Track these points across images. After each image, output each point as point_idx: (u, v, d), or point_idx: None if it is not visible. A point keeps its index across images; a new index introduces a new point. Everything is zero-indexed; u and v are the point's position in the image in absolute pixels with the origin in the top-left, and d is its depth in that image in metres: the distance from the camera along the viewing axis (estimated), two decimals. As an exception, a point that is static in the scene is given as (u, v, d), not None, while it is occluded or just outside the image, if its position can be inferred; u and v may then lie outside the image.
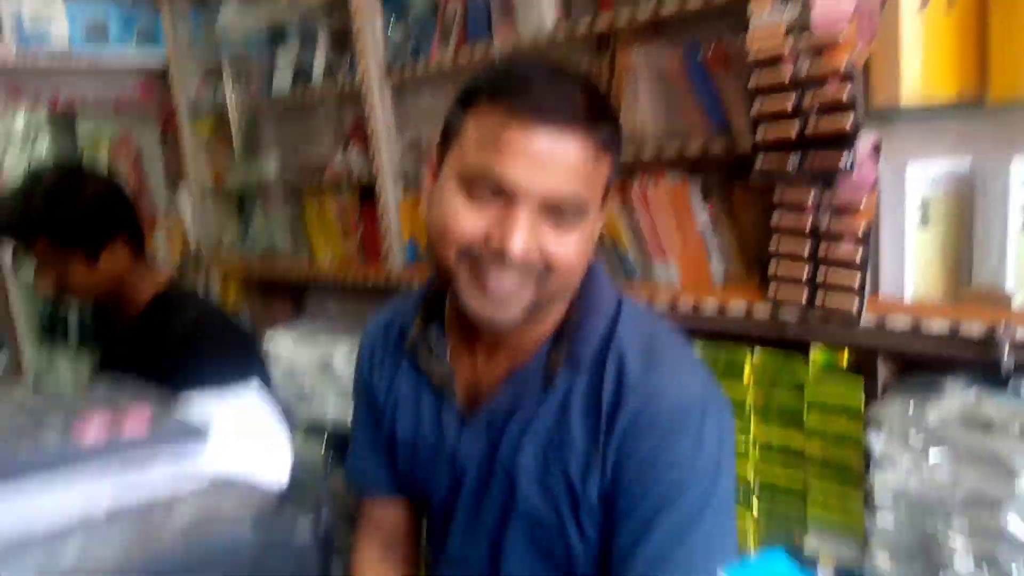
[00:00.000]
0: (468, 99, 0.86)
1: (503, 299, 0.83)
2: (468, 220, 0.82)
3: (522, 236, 0.80)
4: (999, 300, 1.14)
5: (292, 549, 0.42)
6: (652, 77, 1.59)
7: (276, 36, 2.68)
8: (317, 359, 2.51)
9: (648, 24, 1.57)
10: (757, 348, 1.46)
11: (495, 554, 0.97)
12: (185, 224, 3.15)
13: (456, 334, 1.00)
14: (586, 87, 0.85)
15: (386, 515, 1.14)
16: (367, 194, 2.36)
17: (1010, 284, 1.15)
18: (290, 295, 3.05)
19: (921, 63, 1.20)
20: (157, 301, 1.57)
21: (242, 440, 0.41)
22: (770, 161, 1.31)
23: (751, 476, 1.50)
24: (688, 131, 1.56)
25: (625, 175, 1.67)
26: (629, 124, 1.64)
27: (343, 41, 2.38)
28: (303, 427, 2.58)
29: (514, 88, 0.82)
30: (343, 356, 2.43)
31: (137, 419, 0.38)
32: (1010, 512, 1.11)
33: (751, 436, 1.49)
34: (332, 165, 2.48)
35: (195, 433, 0.39)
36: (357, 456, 1.14)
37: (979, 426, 1.16)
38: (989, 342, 1.13)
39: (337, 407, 2.46)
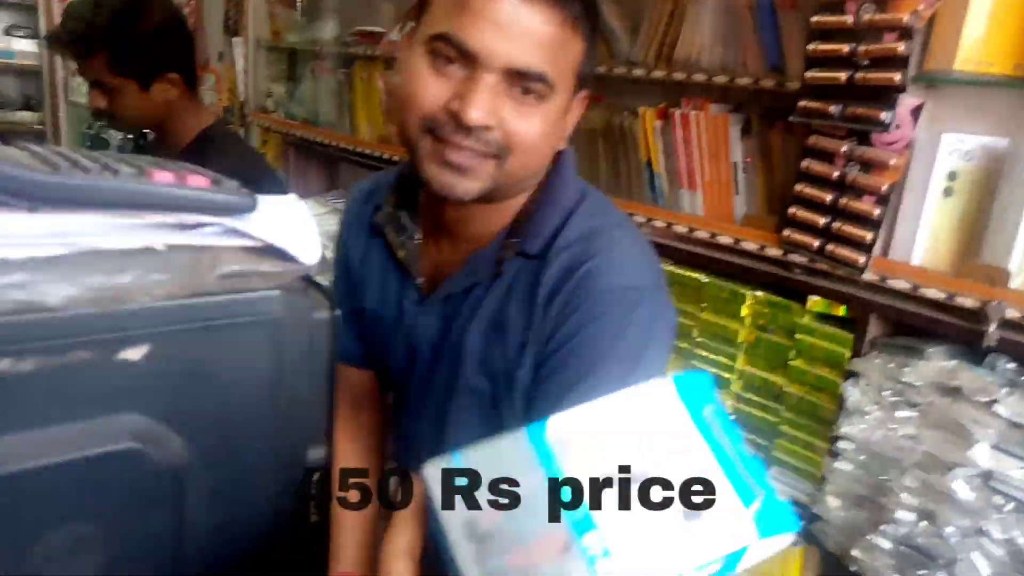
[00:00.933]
0: None
1: (462, 170, 0.83)
2: (431, 88, 0.81)
3: (481, 102, 0.79)
4: (999, 278, 1.17)
5: (311, 320, 0.48)
6: (718, 5, 1.58)
7: None
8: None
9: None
10: (759, 289, 1.50)
11: (440, 428, 1.03)
12: (235, 74, 3.18)
13: (425, 217, 1.01)
14: None
15: (356, 383, 1.19)
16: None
17: (1013, 264, 1.17)
18: (325, 165, 3.10)
19: (984, 32, 1.19)
20: (203, 136, 1.63)
21: (283, 220, 0.47)
22: (814, 104, 1.32)
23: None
24: (743, 65, 1.56)
25: (671, 100, 1.68)
26: (685, 48, 1.64)
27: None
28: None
29: None
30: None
31: (198, 177, 0.44)
32: (958, 478, 1.17)
33: (735, 371, 1.56)
34: (387, 38, 2.48)
35: (248, 197, 0.45)
36: None
37: (949, 392, 1.20)
38: (979, 315, 1.17)
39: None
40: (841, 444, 1.34)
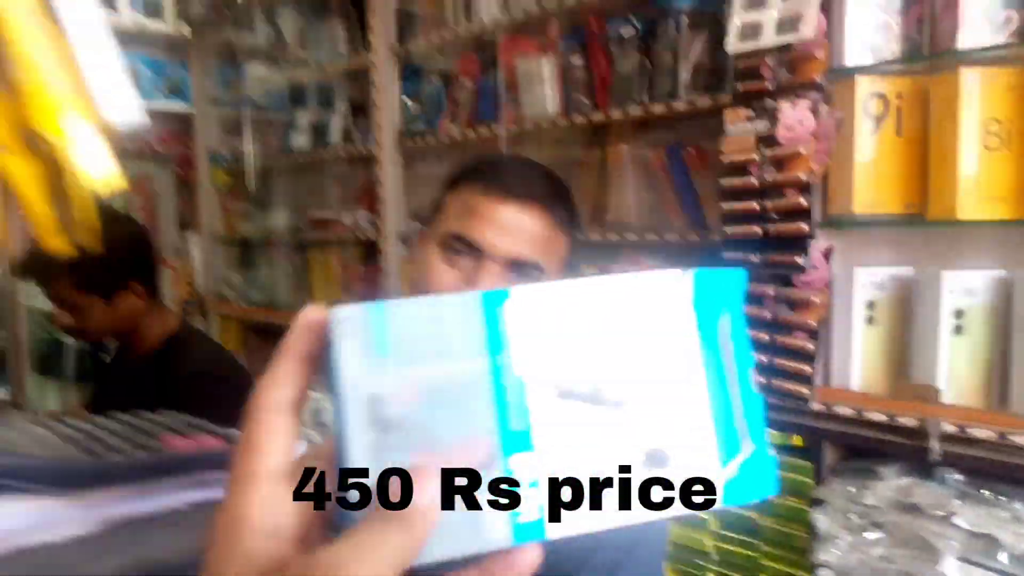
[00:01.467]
0: (451, 182, 1.05)
1: None
2: (445, 275, 0.98)
3: (488, 286, 0.93)
4: (931, 395, 1.27)
5: None
6: (638, 170, 1.75)
7: (296, 96, 2.86)
8: (309, 412, 2.61)
9: (638, 122, 1.74)
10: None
11: None
12: (192, 268, 3.28)
13: None
14: (548, 176, 1.04)
15: None
16: (369, 252, 2.50)
17: (941, 381, 1.27)
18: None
19: (873, 179, 1.35)
20: (171, 341, 1.68)
21: None
22: (736, 255, 1.45)
23: (709, 549, 1.60)
24: (668, 221, 1.71)
25: (609, 259, 1.82)
26: (616, 211, 1.79)
27: (360, 107, 2.56)
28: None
29: (488, 172, 1.01)
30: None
31: (210, 438, 0.50)
32: (935, 592, 1.22)
33: (710, 515, 1.60)
34: (340, 222, 2.63)
35: None
36: None
37: (910, 510, 1.27)
38: (920, 432, 1.25)
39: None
40: (821, 573, 1.37)
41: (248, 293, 3.10)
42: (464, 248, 0.97)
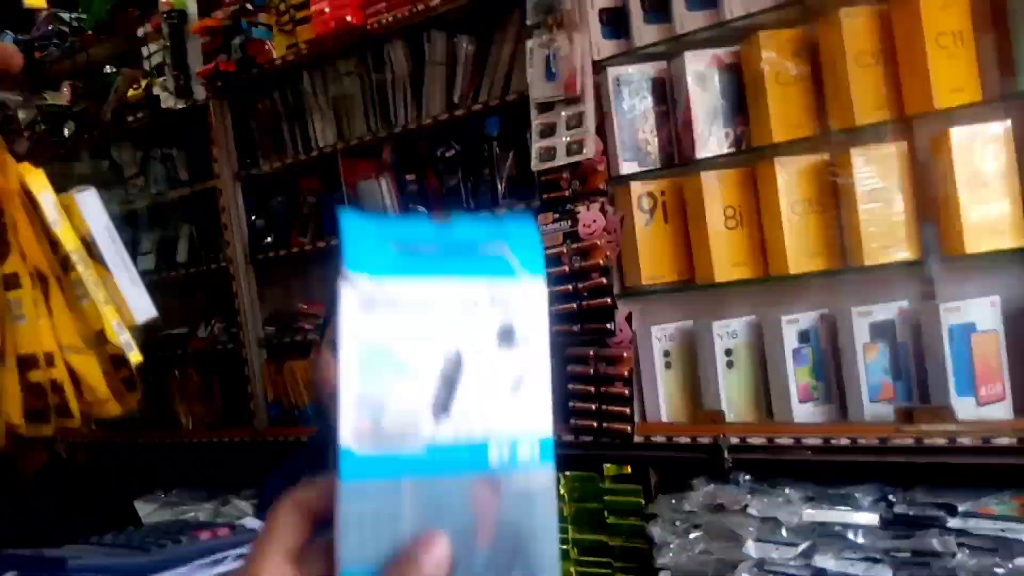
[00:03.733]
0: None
1: None
2: (334, 372, 1.23)
3: None
4: (718, 418, 1.66)
5: None
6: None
7: (140, 219, 2.96)
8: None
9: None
10: (567, 471, 1.89)
11: None
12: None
13: None
14: None
15: None
16: (229, 362, 2.64)
17: (724, 406, 1.67)
18: (145, 463, 3.16)
19: (652, 257, 1.75)
20: (52, 462, 1.77)
21: None
22: (562, 327, 1.80)
23: (573, 574, 1.89)
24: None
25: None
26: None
27: (204, 228, 2.72)
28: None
29: None
30: (208, 517, 2.60)
31: (223, 528, 0.73)
32: (743, 572, 1.57)
33: (569, 541, 1.90)
34: (196, 337, 2.74)
35: (252, 531, 0.74)
36: None
37: (717, 509, 1.63)
38: (715, 448, 1.63)
39: None
40: (661, 574, 1.70)
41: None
42: None
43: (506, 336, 0.35)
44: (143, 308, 0.71)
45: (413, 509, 0.33)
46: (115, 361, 0.74)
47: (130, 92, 2.71)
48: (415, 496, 0.34)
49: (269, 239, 2.52)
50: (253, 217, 2.56)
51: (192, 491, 2.89)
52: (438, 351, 0.35)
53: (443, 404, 0.34)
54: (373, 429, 0.33)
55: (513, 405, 0.36)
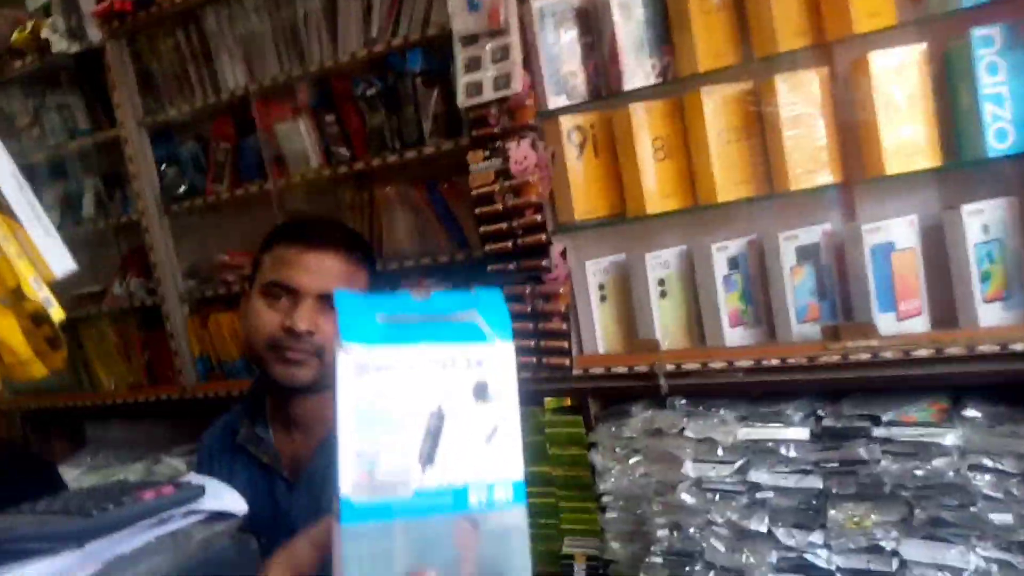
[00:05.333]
0: (264, 245, 1.29)
1: (298, 364, 1.21)
2: (269, 317, 1.22)
3: (305, 317, 1.20)
4: (653, 346, 1.69)
5: (250, 550, 0.75)
6: (405, 206, 2.04)
7: (38, 175, 2.77)
8: (111, 485, 2.56)
9: (395, 166, 2.02)
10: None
11: None
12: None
13: (277, 423, 1.33)
14: (343, 227, 1.34)
15: None
16: (149, 318, 2.53)
17: (658, 334, 1.71)
18: (68, 427, 3.03)
19: (584, 192, 1.75)
20: None
21: (215, 491, 0.74)
22: (498, 266, 1.79)
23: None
24: (437, 246, 2.01)
25: (394, 284, 2.08)
26: (390, 243, 2.06)
27: (111, 178, 2.57)
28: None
29: (294, 231, 1.28)
30: (138, 478, 2.52)
31: (167, 486, 0.70)
32: (682, 491, 1.63)
33: (514, 474, 1.93)
34: (111, 294, 2.61)
35: (199, 487, 0.71)
36: None
37: (655, 434, 1.68)
38: (652, 375, 1.67)
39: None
40: (604, 499, 1.75)
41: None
42: (282, 291, 1.22)
43: (481, 392, 0.40)
44: (61, 261, 0.66)
45: (404, 547, 0.38)
46: (35, 319, 0.69)
47: (15, 36, 2.49)
48: (406, 536, 0.38)
49: (182, 189, 2.40)
50: (163, 166, 2.43)
51: (119, 453, 2.80)
52: (423, 408, 0.40)
53: (429, 454, 0.39)
54: (368, 479, 0.38)
55: (488, 453, 0.40)
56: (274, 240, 1.28)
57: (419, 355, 0.40)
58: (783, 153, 1.54)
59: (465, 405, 0.41)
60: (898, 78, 1.45)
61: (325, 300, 1.22)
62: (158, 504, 0.69)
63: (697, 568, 1.62)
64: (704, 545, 1.61)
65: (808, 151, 1.53)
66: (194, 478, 0.76)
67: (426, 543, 0.38)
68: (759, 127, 1.60)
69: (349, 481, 0.38)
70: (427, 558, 0.38)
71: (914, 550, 1.42)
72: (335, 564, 0.37)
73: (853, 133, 1.53)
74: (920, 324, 1.50)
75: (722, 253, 1.65)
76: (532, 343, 1.80)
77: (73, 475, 2.73)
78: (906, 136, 1.46)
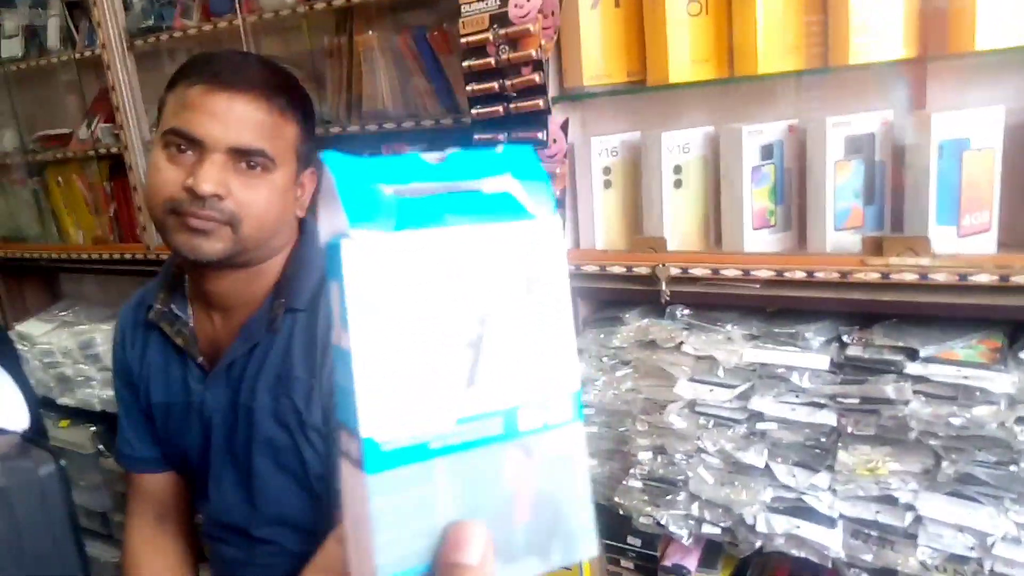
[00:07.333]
0: (170, 83, 1.02)
1: (204, 233, 0.98)
2: (170, 173, 0.97)
3: (211, 176, 0.95)
4: (659, 245, 1.44)
5: (38, 478, 0.54)
6: (388, 57, 1.74)
7: (-1, -1, 2.48)
8: (78, 344, 2.43)
9: (381, 5, 1.71)
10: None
11: (247, 490, 1.10)
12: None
13: (196, 302, 1.12)
14: (265, 64, 1.04)
15: (157, 489, 1.24)
16: (116, 167, 2.30)
17: (667, 232, 1.44)
18: (42, 279, 2.88)
19: (599, 52, 1.45)
20: None
21: None
22: (485, 135, 1.52)
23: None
24: (424, 108, 1.73)
25: (372, 150, 1.82)
26: (370, 100, 1.78)
27: (79, 7, 2.28)
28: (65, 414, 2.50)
29: (201, 66, 1.00)
30: (106, 338, 2.38)
31: None
32: (672, 412, 1.42)
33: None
34: (76, 138, 2.38)
35: None
36: (124, 436, 1.22)
37: (648, 346, 1.45)
38: (652, 279, 1.43)
39: (104, 390, 2.41)
40: (585, 411, 1.55)
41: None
42: (185, 143, 0.97)
43: (530, 284, 0.32)
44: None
45: (447, 492, 0.30)
46: None
47: None
48: (449, 478, 0.30)
49: (149, 22, 2.10)
50: (128, -7, 2.13)
51: (92, 310, 2.66)
52: (459, 310, 0.30)
53: (471, 371, 0.31)
54: (397, 411, 0.29)
55: (540, 361, 0.32)
56: (180, 77, 1.01)
57: (448, 240, 0.30)
58: (847, 13, 1.22)
59: (510, 303, 0.32)
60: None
61: (240, 157, 0.98)
62: None
63: (680, 498, 1.43)
64: (690, 474, 1.41)
65: (880, 13, 1.21)
66: None
67: (473, 484, 0.30)
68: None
69: (372, 416, 0.29)
70: (475, 503, 0.30)
71: (934, 506, 1.21)
72: (358, 525, 0.29)
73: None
74: (985, 243, 1.23)
75: (754, 138, 1.36)
76: (520, 229, 1.55)
77: (43, 330, 2.60)
78: (1008, 3, 1.13)
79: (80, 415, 2.48)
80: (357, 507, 0.29)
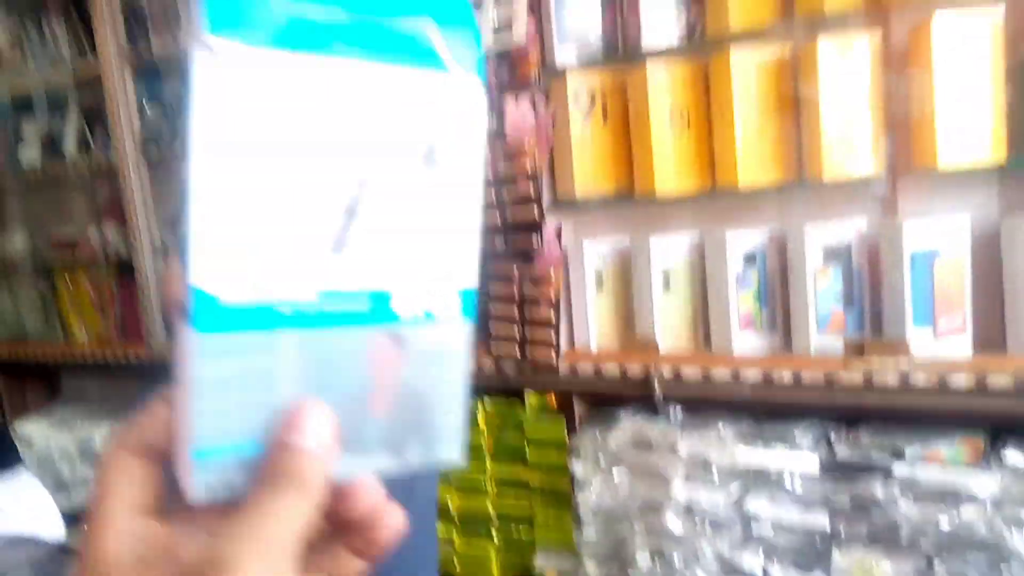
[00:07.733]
0: None
1: None
2: None
3: None
4: (651, 347, 1.48)
5: None
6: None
7: (21, 106, 2.61)
8: (76, 445, 2.44)
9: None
10: (486, 398, 1.71)
11: None
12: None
13: None
14: None
15: None
16: (125, 270, 2.37)
17: (658, 333, 1.49)
18: (43, 379, 2.91)
19: (588, 164, 1.54)
20: None
21: (23, 508, 0.55)
22: (484, 243, 1.59)
23: (490, 510, 1.74)
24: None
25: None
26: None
27: (96, 116, 2.40)
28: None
29: None
30: (104, 436, 2.39)
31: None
32: (669, 513, 1.44)
33: (487, 474, 1.74)
34: (86, 241, 2.46)
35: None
36: None
37: (643, 447, 1.48)
38: (646, 380, 1.47)
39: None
40: (582, 514, 1.56)
41: (-12, 327, 2.80)
42: None
43: (431, 152, 0.27)
44: None
45: (292, 371, 0.26)
46: None
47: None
48: (297, 352, 0.26)
49: (163, 133, 2.22)
50: (145, 103, 2.25)
51: (92, 409, 2.67)
52: (337, 161, 0.26)
53: (340, 235, 0.26)
54: (243, 265, 0.25)
55: (429, 246, 0.28)
56: None
57: (332, 72, 0.25)
58: (820, 133, 1.31)
59: (401, 169, 0.27)
60: (965, 49, 1.21)
61: None
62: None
63: (678, 601, 1.42)
64: (688, 576, 1.41)
65: (849, 133, 1.31)
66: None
67: (325, 365, 0.27)
68: (794, 100, 1.38)
69: (207, 264, 0.24)
70: (324, 384, 0.26)
71: (931, 609, 1.21)
72: (180, 390, 0.25)
73: (904, 114, 1.30)
74: (961, 344, 1.28)
75: (738, 245, 1.43)
76: (516, 331, 1.60)
77: (41, 429, 2.61)
78: (967, 123, 1.23)
79: (75, 520, 2.46)
80: (184, 366, 0.25)
